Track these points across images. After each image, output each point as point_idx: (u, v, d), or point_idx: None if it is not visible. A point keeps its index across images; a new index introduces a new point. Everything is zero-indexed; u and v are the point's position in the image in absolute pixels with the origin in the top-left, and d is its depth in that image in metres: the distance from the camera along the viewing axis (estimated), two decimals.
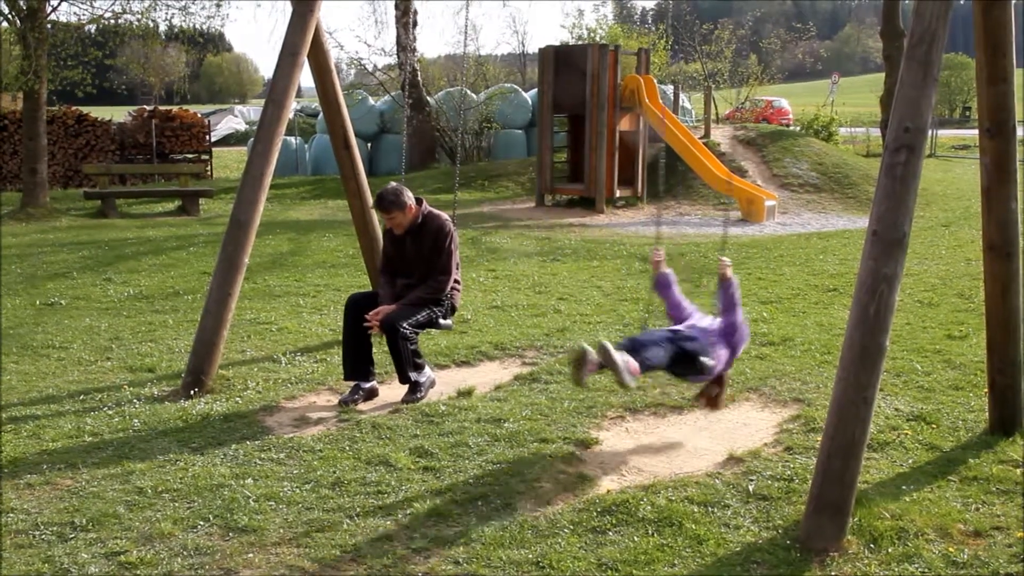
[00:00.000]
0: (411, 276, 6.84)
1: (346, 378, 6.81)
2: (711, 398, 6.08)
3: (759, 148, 21.92)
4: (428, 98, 26.52)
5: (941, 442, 5.73)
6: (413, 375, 6.70)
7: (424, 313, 6.71)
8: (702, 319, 5.94)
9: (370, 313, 6.65)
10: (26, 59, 17.66)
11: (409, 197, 6.74)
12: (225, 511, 4.75)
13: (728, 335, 5.80)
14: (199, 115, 29.45)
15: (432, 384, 6.81)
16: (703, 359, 5.54)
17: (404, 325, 6.57)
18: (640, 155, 19.52)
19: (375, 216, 8.46)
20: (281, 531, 4.56)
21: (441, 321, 6.90)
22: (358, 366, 6.76)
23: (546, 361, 7.69)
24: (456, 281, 6.98)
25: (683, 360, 5.49)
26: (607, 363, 5.14)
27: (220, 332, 7.01)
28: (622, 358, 5.14)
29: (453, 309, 7.03)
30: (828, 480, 4.42)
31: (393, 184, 6.81)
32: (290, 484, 5.12)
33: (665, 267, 6.16)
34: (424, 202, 6.86)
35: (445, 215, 6.91)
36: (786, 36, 44.17)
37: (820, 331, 8.62)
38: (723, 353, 5.74)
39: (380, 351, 6.97)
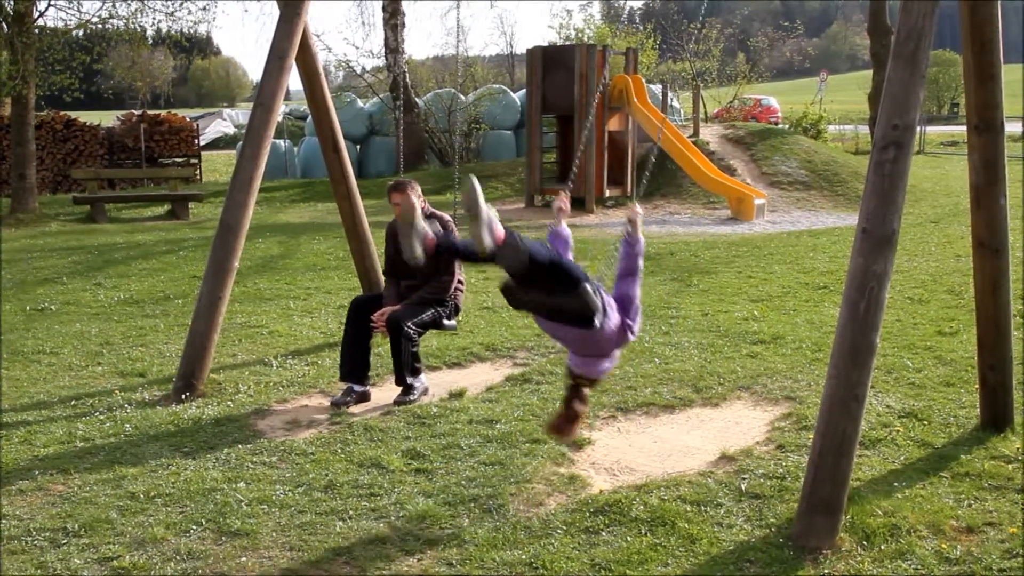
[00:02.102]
0: (414, 277, 6.85)
1: (341, 379, 6.81)
2: (570, 415, 4.61)
3: (748, 147, 21.95)
4: (417, 100, 26.49)
5: (933, 439, 5.74)
6: (410, 379, 6.71)
7: (429, 313, 6.74)
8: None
9: (375, 314, 6.67)
10: (14, 64, 17.59)
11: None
12: (218, 515, 4.74)
13: (622, 305, 4.61)
14: (188, 119, 29.43)
15: (425, 392, 6.80)
16: (587, 291, 4.24)
17: (409, 324, 6.59)
18: (630, 154, 19.54)
19: (365, 218, 8.47)
20: (274, 535, 4.55)
21: (445, 322, 6.92)
22: (355, 369, 6.77)
23: (537, 362, 7.69)
24: (460, 282, 7.00)
25: (563, 281, 4.26)
26: (470, 206, 4.07)
27: (211, 336, 7.00)
28: (489, 212, 4.17)
29: (457, 310, 7.05)
30: (820, 478, 4.43)
31: None
32: (282, 487, 5.11)
33: (564, 223, 5.01)
34: (426, 203, 6.89)
35: (447, 216, 6.93)
36: (774, 34, 44.26)
37: (811, 329, 8.63)
38: (614, 318, 4.48)
39: (374, 355, 6.97)
